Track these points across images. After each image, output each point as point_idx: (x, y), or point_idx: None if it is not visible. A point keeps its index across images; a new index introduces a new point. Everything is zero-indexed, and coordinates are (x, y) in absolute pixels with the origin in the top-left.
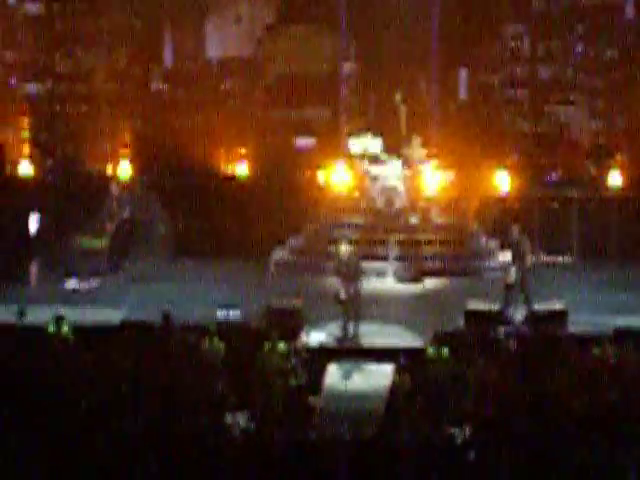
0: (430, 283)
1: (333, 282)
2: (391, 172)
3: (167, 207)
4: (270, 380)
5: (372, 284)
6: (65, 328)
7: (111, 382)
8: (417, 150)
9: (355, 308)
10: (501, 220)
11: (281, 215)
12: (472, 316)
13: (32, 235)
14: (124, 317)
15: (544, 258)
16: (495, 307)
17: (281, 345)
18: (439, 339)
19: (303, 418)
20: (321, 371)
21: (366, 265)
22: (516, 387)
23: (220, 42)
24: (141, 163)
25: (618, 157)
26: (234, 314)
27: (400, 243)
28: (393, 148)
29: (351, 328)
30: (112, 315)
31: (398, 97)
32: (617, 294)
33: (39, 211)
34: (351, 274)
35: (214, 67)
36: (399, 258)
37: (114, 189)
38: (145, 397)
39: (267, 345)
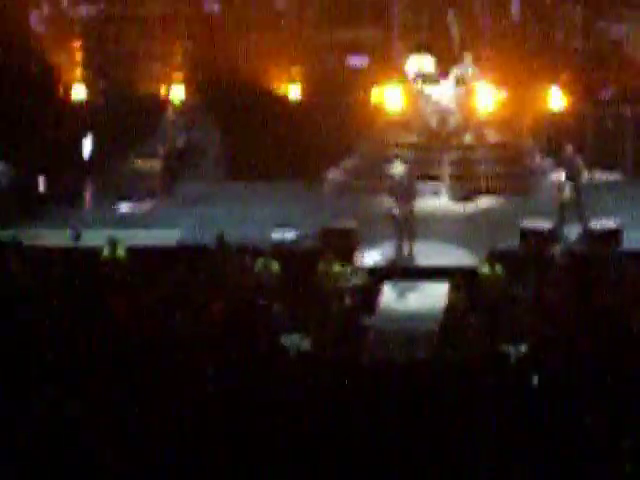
0: (484, 202)
1: (388, 202)
2: (444, 91)
3: (220, 128)
4: (325, 301)
5: (426, 203)
6: (120, 251)
7: (165, 305)
8: (470, 68)
9: (409, 228)
10: (555, 138)
11: (335, 135)
12: (526, 234)
13: (86, 158)
14: (179, 239)
15: (598, 176)
16: (550, 225)
17: (336, 265)
18: (493, 258)
19: (358, 339)
20: (376, 291)
21: (420, 184)
22: (572, 305)
23: None
24: (195, 85)
25: None
26: (289, 235)
27: (454, 162)
28: (446, 67)
29: (406, 248)
30: (167, 237)
31: (451, 15)
32: None
33: (93, 134)
34: (405, 194)
35: None
36: (453, 177)
37: (168, 112)
38: (202, 320)
39: (322, 265)
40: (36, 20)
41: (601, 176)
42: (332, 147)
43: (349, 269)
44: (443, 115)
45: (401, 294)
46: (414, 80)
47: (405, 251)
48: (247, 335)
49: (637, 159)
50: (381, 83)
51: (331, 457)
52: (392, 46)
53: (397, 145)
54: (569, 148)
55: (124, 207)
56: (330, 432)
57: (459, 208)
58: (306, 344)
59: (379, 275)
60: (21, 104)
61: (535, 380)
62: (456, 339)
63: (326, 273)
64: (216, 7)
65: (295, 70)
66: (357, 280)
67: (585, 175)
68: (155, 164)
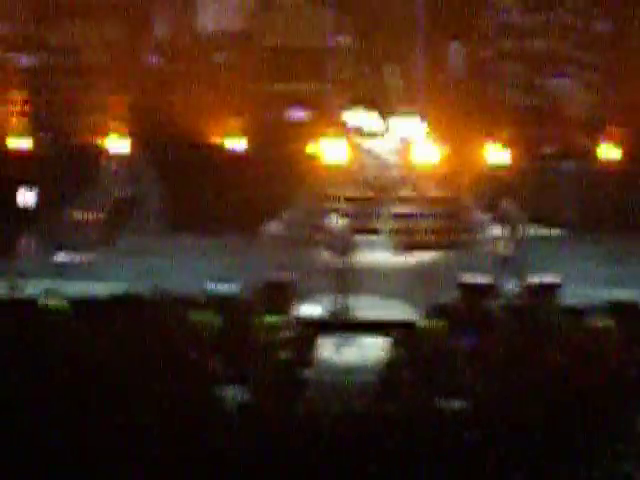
0: (423, 256)
1: (325, 255)
2: (383, 144)
3: (161, 180)
4: (263, 353)
5: (365, 257)
6: (56, 302)
7: (102, 354)
8: (410, 122)
9: (346, 281)
10: (494, 193)
11: (275, 187)
12: (466, 289)
13: (26, 208)
14: (119, 290)
15: (538, 231)
16: (488, 280)
17: (274, 318)
18: (432, 312)
19: (295, 391)
20: (313, 344)
21: (359, 238)
22: (509, 359)
23: (213, 15)
24: (134, 136)
25: (611, 130)
26: (228, 287)
27: (393, 216)
28: (386, 120)
29: (343, 301)
30: (106, 288)
31: (391, 69)
32: (611, 266)
33: (32, 184)
34: (343, 247)
35: (206, 40)
36: (392, 231)
37: (108, 162)
38: (138, 369)
39: (260, 318)
40: None
41: (540, 231)
42: (272, 199)
43: (286, 322)
44: (382, 168)
45: (339, 347)
46: (353, 133)
47: (342, 304)
48: (181, 386)
49: (577, 214)
50: (320, 136)
51: None
52: (332, 100)
53: (336, 198)
54: (507, 203)
55: (62, 257)
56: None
57: (398, 262)
58: (243, 395)
59: (317, 328)
60: None
61: (469, 435)
62: (393, 392)
63: (264, 325)
64: (156, 60)
65: (235, 122)
66: (289, 333)
67: (525, 230)
68: (96, 215)
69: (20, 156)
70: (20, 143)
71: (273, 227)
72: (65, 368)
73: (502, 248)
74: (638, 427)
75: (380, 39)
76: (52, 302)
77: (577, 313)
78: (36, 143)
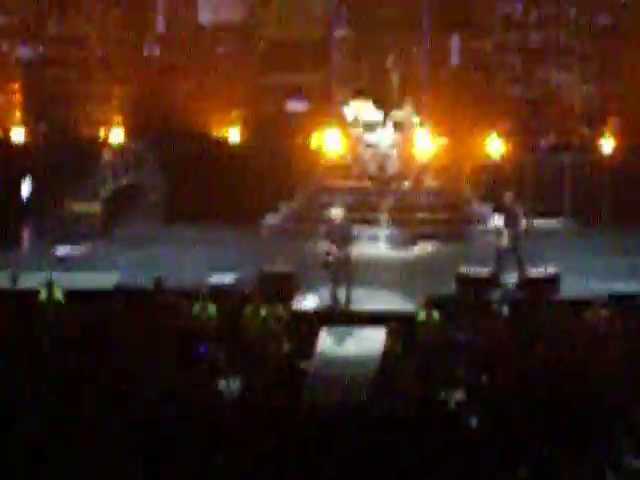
0: (422, 248)
1: (325, 247)
2: (384, 136)
3: (159, 172)
4: (262, 345)
5: (365, 249)
6: (57, 294)
7: (102, 347)
8: (410, 115)
9: (346, 273)
10: (493, 185)
11: (274, 180)
12: (464, 281)
13: (24, 201)
14: (117, 282)
15: (537, 223)
16: (488, 272)
17: (273, 310)
18: (431, 304)
19: (295, 383)
20: (313, 336)
21: (358, 230)
22: (508, 352)
23: (212, 6)
24: (134, 128)
25: (610, 122)
26: (227, 279)
27: (392, 208)
28: (386, 114)
29: (342, 293)
30: (105, 280)
31: (390, 63)
32: (610, 259)
33: (31, 176)
34: (343, 239)
35: (206, 32)
36: (391, 223)
37: (107, 154)
38: (136, 362)
39: (259, 310)
40: None
41: (540, 223)
42: (271, 191)
43: (286, 314)
44: (382, 161)
45: (338, 339)
46: (353, 125)
47: (342, 296)
48: (184, 380)
49: (575, 207)
50: (321, 128)
51: None
52: (332, 91)
53: (336, 190)
54: (508, 195)
55: (62, 250)
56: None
57: (397, 254)
58: (243, 389)
59: (317, 320)
60: None
61: (473, 424)
62: (392, 384)
63: (263, 317)
64: (156, 50)
65: (235, 114)
66: (295, 325)
67: (523, 222)
68: (94, 207)
69: (20, 149)
70: (20, 136)
71: (272, 219)
72: (64, 359)
73: (502, 240)
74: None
75: (380, 31)
76: (52, 294)
77: (577, 305)
78: (36, 135)
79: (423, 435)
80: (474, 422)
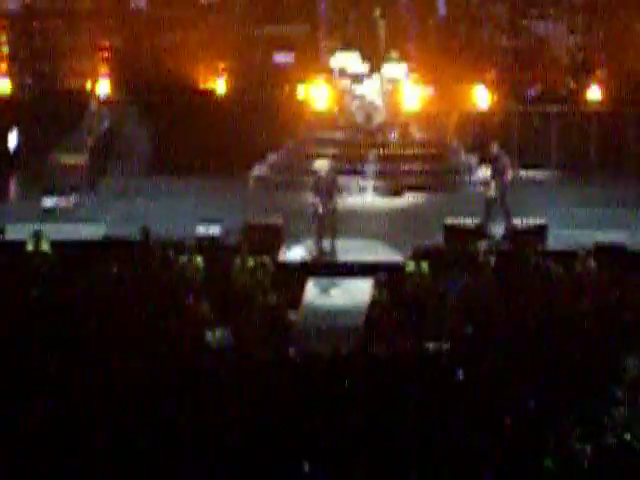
0: (409, 198)
1: (311, 198)
2: (370, 88)
3: (146, 123)
4: (249, 296)
5: (352, 200)
6: (44, 245)
7: (91, 300)
8: (396, 66)
9: (332, 224)
10: (480, 135)
11: (260, 131)
12: (451, 231)
13: (11, 152)
14: (104, 234)
15: (523, 173)
16: (475, 222)
17: (260, 261)
18: (418, 254)
19: (282, 334)
20: (300, 287)
21: (345, 181)
22: (496, 302)
23: None
24: (120, 79)
25: (597, 72)
26: (214, 230)
27: (379, 159)
28: (372, 64)
29: (327, 244)
30: (92, 231)
31: (377, 12)
32: (597, 209)
33: (17, 128)
34: (329, 190)
35: None
36: (378, 173)
37: (93, 106)
38: (125, 315)
39: (246, 261)
40: None
41: (527, 174)
42: (258, 143)
43: (273, 264)
44: (369, 112)
45: (325, 290)
46: (340, 77)
47: (327, 247)
48: (172, 332)
49: (563, 157)
50: (307, 80)
51: (256, 453)
52: (318, 43)
53: (322, 141)
54: (495, 146)
55: (49, 201)
56: (258, 428)
57: (384, 204)
58: (230, 340)
59: (303, 271)
60: None
61: (460, 375)
62: (380, 335)
63: (250, 268)
64: (142, 3)
65: (221, 66)
66: (281, 276)
67: (511, 173)
68: (80, 159)
69: (5, 100)
70: (6, 87)
71: (258, 170)
72: (53, 311)
73: (489, 190)
74: (629, 371)
75: None
76: (40, 245)
77: (564, 255)
78: (22, 86)
79: (408, 383)
80: (460, 373)
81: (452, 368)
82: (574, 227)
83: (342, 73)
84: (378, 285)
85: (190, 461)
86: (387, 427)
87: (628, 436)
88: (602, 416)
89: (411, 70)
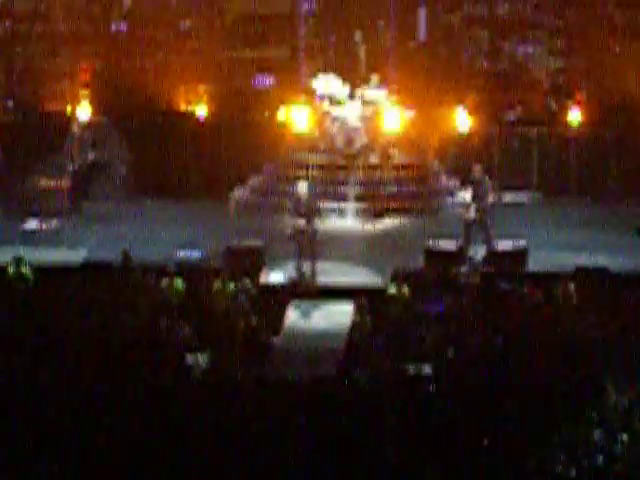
0: (390, 222)
1: (292, 221)
2: (351, 111)
3: (127, 147)
4: (230, 319)
5: (332, 223)
6: (25, 269)
7: (71, 322)
8: (377, 89)
9: (312, 247)
10: (461, 158)
11: (241, 153)
12: (432, 255)
13: None
14: (85, 258)
15: (504, 196)
16: (455, 245)
17: (241, 285)
18: (399, 277)
19: (263, 357)
20: (281, 310)
21: (326, 204)
22: (476, 326)
23: None
24: (101, 103)
25: (577, 95)
26: (194, 254)
27: (360, 181)
28: (352, 87)
29: (308, 268)
30: (73, 256)
31: (357, 37)
32: (578, 231)
33: None
34: (309, 213)
35: (172, 7)
36: (359, 196)
37: (74, 129)
38: (104, 337)
39: (226, 285)
40: None
41: (508, 197)
42: (238, 166)
43: (254, 288)
44: (350, 135)
45: (306, 313)
46: (321, 100)
47: (307, 271)
48: (153, 355)
49: (543, 179)
50: (288, 103)
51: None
52: (299, 66)
53: (303, 165)
54: (477, 168)
55: (31, 224)
56: (237, 450)
57: (365, 228)
58: (211, 363)
59: (284, 295)
60: None
61: (439, 398)
62: (361, 358)
63: (230, 292)
64: (122, 26)
65: (202, 89)
66: (262, 300)
67: (492, 196)
68: (60, 182)
69: None
70: None
71: (239, 193)
72: (34, 335)
73: (470, 213)
74: (607, 395)
75: (347, 5)
76: (20, 270)
77: (543, 279)
78: (3, 109)
79: (391, 410)
80: (440, 396)
81: (432, 391)
82: (555, 249)
83: (323, 96)
84: (359, 308)
85: None
86: (366, 450)
87: (606, 459)
88: (582, 439)
89: (392, 93)
